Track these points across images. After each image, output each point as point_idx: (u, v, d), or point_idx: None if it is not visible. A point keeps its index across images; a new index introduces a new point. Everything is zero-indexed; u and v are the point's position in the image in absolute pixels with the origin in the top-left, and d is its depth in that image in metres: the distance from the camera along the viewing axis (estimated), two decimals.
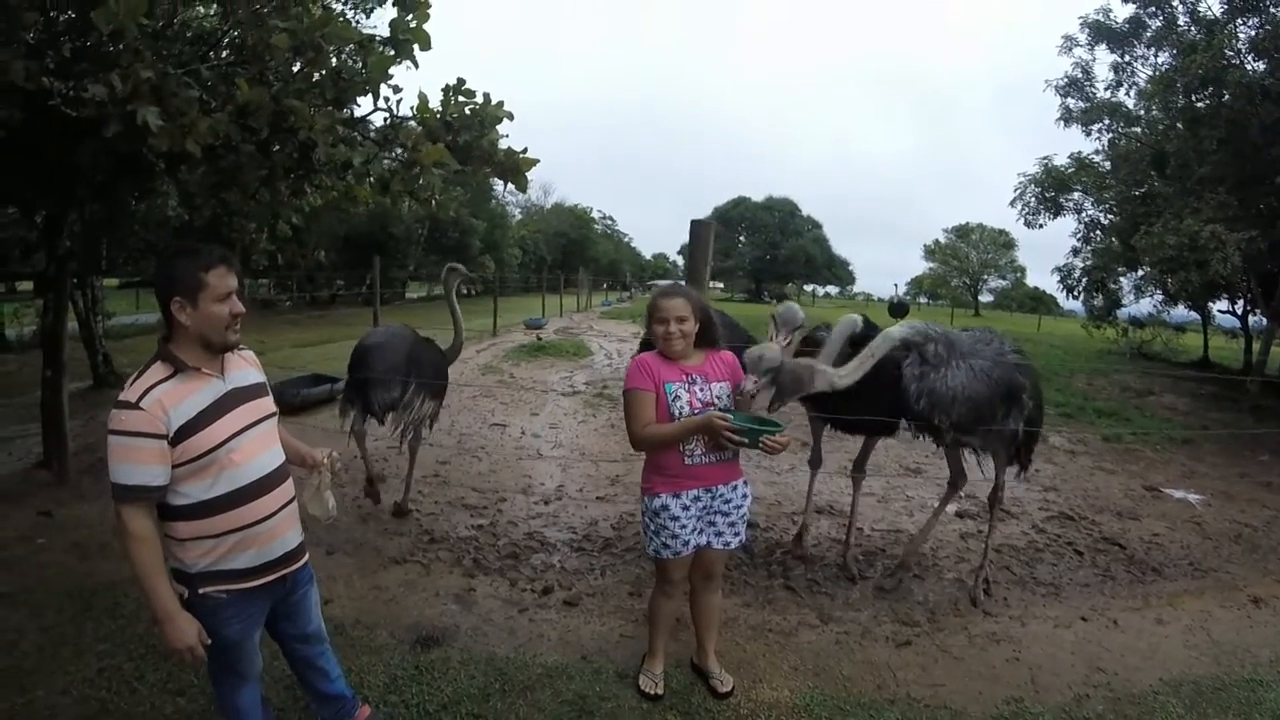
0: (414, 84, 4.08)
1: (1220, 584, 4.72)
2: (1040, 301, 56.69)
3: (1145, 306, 19.13)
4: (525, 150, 4.05)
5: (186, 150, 3.25)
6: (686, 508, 2.83)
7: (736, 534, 2.96)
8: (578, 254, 50.29)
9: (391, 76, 3.74)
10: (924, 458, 7.16)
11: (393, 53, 3.70)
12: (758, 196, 65.44)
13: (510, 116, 4.03)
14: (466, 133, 3.89)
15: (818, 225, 65.70)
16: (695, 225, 3.78)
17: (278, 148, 4.06)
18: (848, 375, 3.36)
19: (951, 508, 5.78)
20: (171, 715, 2.80)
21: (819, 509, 5.51)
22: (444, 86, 3.98)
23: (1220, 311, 18.75)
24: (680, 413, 2.76)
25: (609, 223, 67.59)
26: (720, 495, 2.89)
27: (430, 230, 31.09)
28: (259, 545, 2.13)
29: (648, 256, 79.63)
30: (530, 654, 3.35)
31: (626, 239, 73.22)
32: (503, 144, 4.01)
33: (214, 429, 2.01)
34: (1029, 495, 6.36)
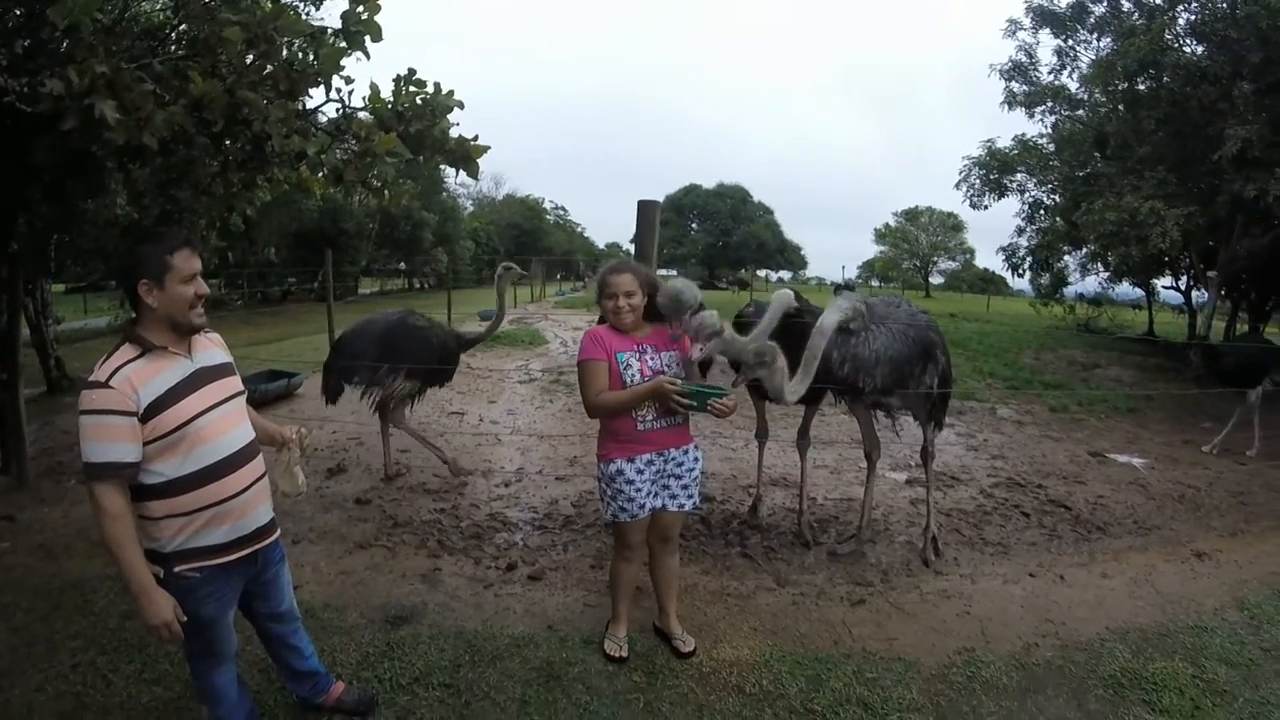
0: (365, 75, 4.11)
1: (1164, 540, 4.91)
2: (990, 282, 57.75)
3: (1091, 284, 19.66)
4: (476, 138, 4.11)
5: (143, 143, 3.25)
6: (641, 471, 2.96)
7: (690, 496, 3.10)
8: (531, 245, 50.19)
9: (343, 68, 3.77)
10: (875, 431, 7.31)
11: (344, 44, 3.72)
12: (710, 184, 65.67)
13: (461, 105, 4.08)
14: (418, 122, 3.92)
15: (769, 211, 65.94)
16: (642, 205, 3.90)
17: (230, 142, 4.07)
18: (797, 390, 3.39)
19: (901, 475, 6.04)
20: (148, 704, 2.84)
21: (774, 481, 5.67)
22: (395, 77, 4.01)
23: (1164, 287, 19.35)
24: (632, 381, 2.90)
25: (561, 213, 67.27)
26: (673, 459, 3.03)
27: (382, 224, 30.69)
28: (231, 521, 2.19)
29: (601, 246, 79.43)
30: (497, 626, 3.45)
31: (580, 229, 72.92)
32: (453, 132, 4.06)
33: (183, 405, 2.07)
34: (977, 463, 6.60)
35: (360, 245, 29.33)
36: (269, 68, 3.64)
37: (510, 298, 24.20)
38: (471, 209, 51.59)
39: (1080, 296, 20.72)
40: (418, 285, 37.64)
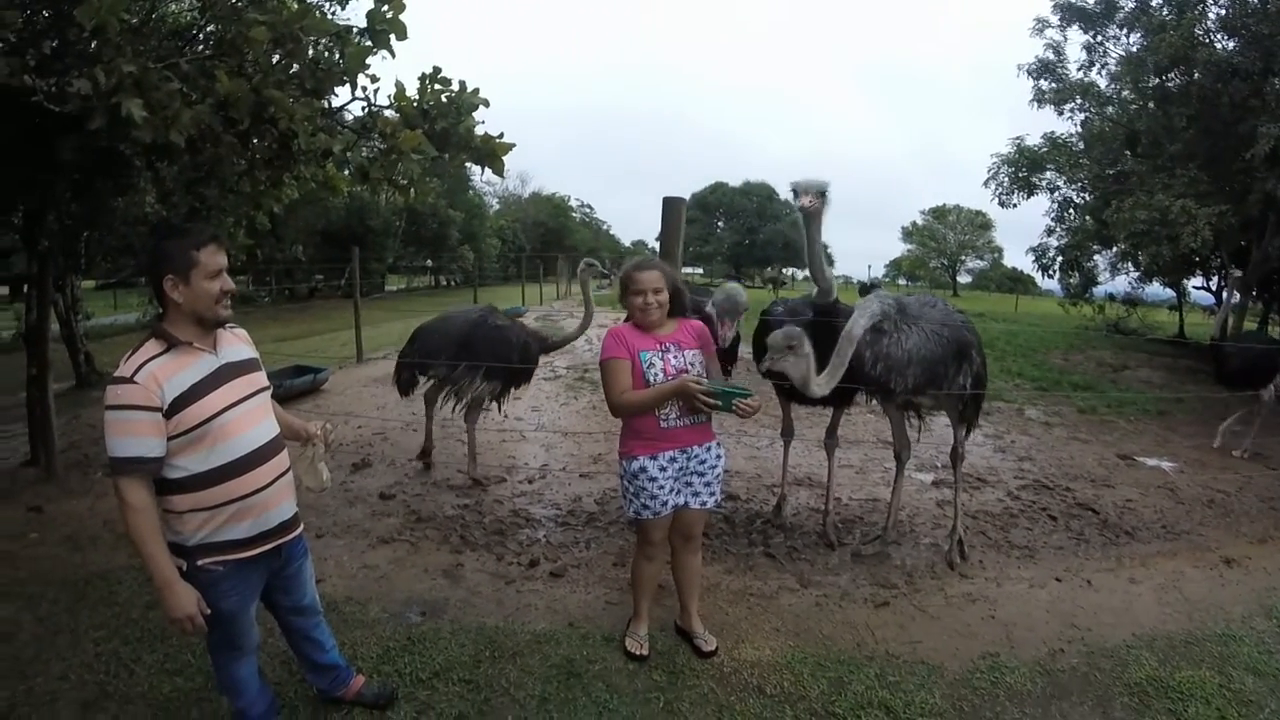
0: (390, 74, 4.11)
1: (1193, 546, 4.81)
2: (1018, 281, 57.09)
3: (1121, 284, 19.37)
4: (501, 136, 4.11)
5: (170, 141, 3.29)
6: (664, 469, 2.96)
7: (713, 494, 3.09)
8: (556, 242, 50.01)
9: (369, 67, 3.79)
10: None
11: (370, 43, 3.74)
12: (736, 182, 65.47)
13: (486, 103, 4.08)
14: (443, 120, 3.94)
15: (795, 210, 65.61)
16: (668, 202, 3.89)
17: (257, 140, 4.11)
18: (822, 386, 3.41)
19: (927, 477, 5.96)
20: (170, 694, 2.86)
21: (799, 481, 5.64)
22: (420, 75, 4.02)
23: (1195, 288, 19.03)
24: (655, 379, 2.89)
25: (587, 210, 67.30)
26: (695, 456, 3.02)
27: (408, 222, 30.84)
28: (254, 515, 2.20)
29: (626, 244, 79.46)
30: (518, 623, 3.46)
31: (605, 226, 72.96)
32: (479, 130, 4.06)
33: (207, 401, 2.08)
34: (1004, 465, 6.51)
35: (387, 243, 29.49)
36: (295, 67, 3.67)
37: (536, 295, 24.70)
38: (497, 207, 51.70)
39: (1110, 296, 20.44)
40: (444, 283, 37.80)
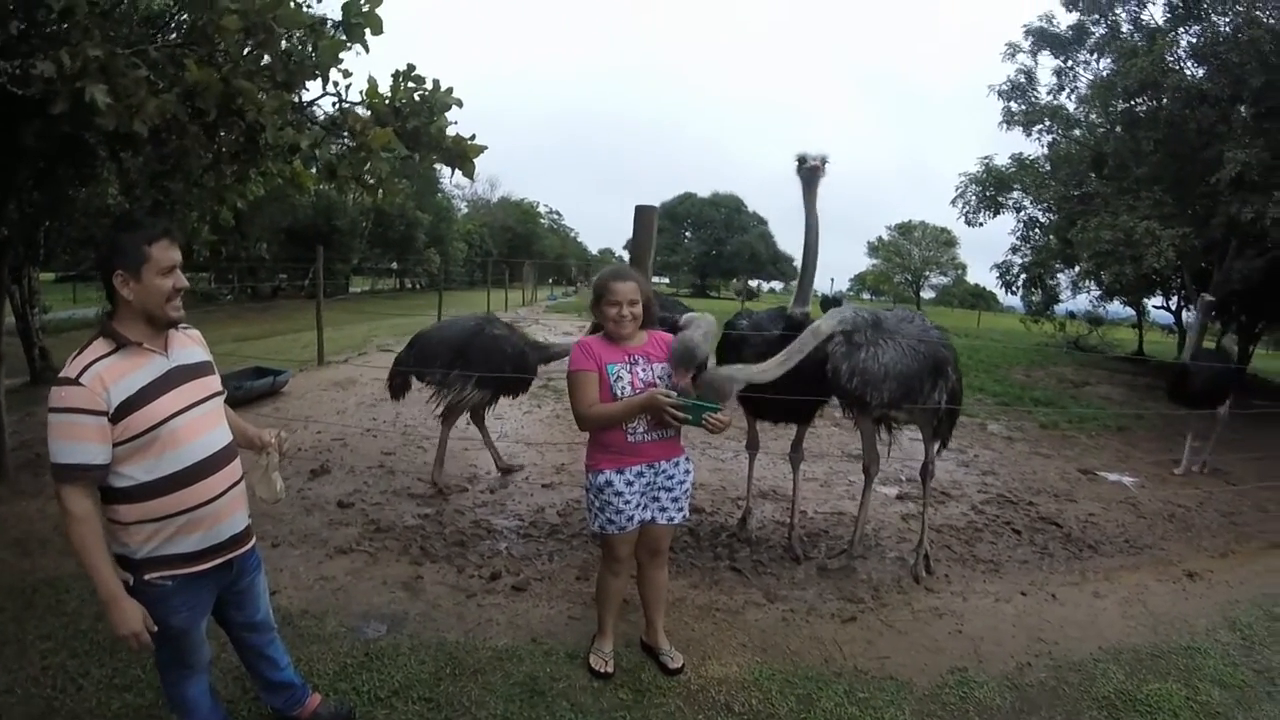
0: (364, 71, 4.02)
1: (1155, 560, 4.88)
2: (980, 298, 58.09)
3: (1082, 302, 19.74)
4: (473, 137, 4.03)
5: (134, 130, 3.18)
6: (630, 483, 2.89)
7: (680, 509, 3.03)
8: (524, 248, 50.13)
9: (342, 61, 3.70)
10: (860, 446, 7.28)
11: (344, 37, 3.65)
12: (705, 193, 65.90)
13: (459, 103, 4.01)
14: (415, 118, 3.85)
15: (763, 222, 66.23)
16: (640, 210, 3.82)
17: (224, 133, 3.99)
18: (770, 370, 3.35)
19: (892, 490, 5.98)
20: (119, 711, 2.74)
21: (763, 494, 5.61)
22: (394, 72, 3.93)
23: (1155, 307, 19.46)
24: (622, 393, 2.83)
25: (555, 217, 67.21)
26: (663, 471, 2.96)
27: (375, 223, 30.58)
28: (205, 527, 2.10)
29: (594, 251, 79.68)
30: (480, 638, 3.36)
31: (573, 234, 73.00)
32: (451, 131, 3.98)
33: (156, 406, 1.98)
34: (968, 479, 6.54)
35: (353, 244, 29.21)
36: (266, 59, 3.56)
37: (502, 300, 24.59)
38: (465, 211, 51.51)
39: (1070, 314, 20.82)
40: (410, 285, 37.52)
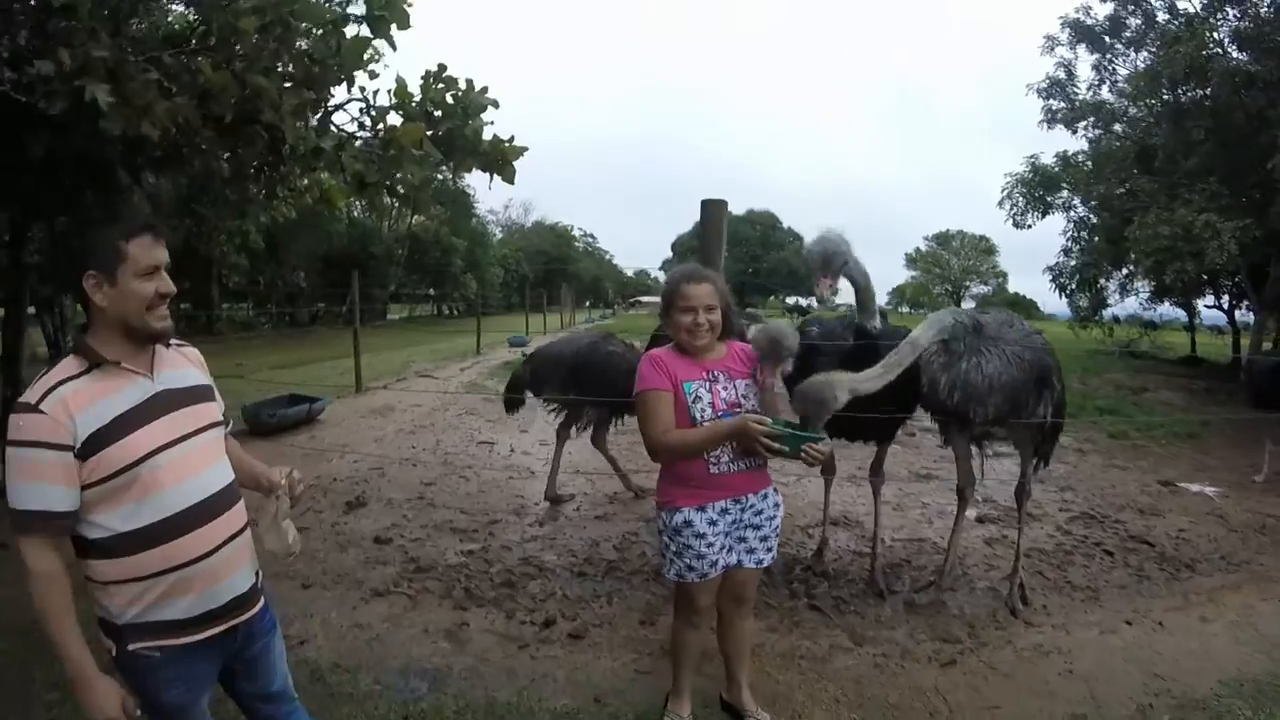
0: (391, 74, 3.74)
1: (1255, 576, 4.57)
2: (1020, 306, 57.11)
3: (1130, 305, 19.19)
4: (512, 139, 3.70)
5: (143, 134, 2.92)
6: (714, 522, 2.45)
7: (769, 549, 2.59)
8: (559, 272, 50.27)
9: (368, 63, 3.44)
10: (933, 462, 6.93)
11: (369, 34, 3.37)
12: (739, 210, 65.67)
13: (495, 104, 3.70)
14: (448, 120, 3.53)
15: (799, 237, 65.75)
16: (707, 205, 3.39)
17: (243, 143, 3.73)
18: (873, 382, 2.95)
19: (971, 513, 5.52)
20: None
21: (834, 520, 5.17)
22: (425, 72, 3.65)
23: (1206, 307, 18.86)
24: (702, 415, 2.41)
25: (590, 240, 67.60)
26: (751, 506, 2.52)
27: (411, 250, 31.05)
28: (198, 590, 1.68)
29: (629, 273, 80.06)
30: (535, 697, 2.96)
31: (608, 256, 73.26)
32: (487, 133, 3.65)
33: (134, 439, 1.59)
34: (1047, 496, 6.11)
35: (389, 270, 29.71)
36: (285, 55, 3.27)
37: (540, 324, 24.56)
38: (501, 235, 52.07)
39: (1115, 319, 20.26)
40: (447, 311, 37.81)
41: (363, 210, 30.04)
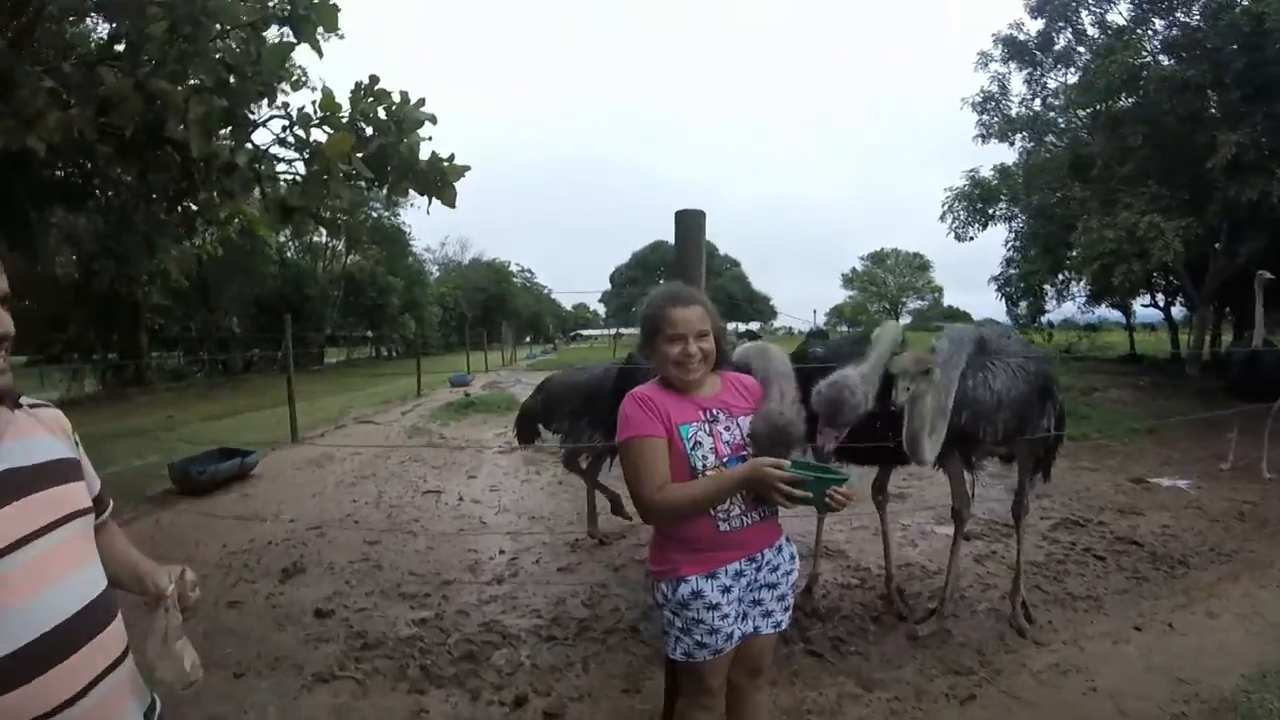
0: (319, 90, 3.36)
1: (1249, 565, 4.62)
2: (954, 319, 58.62)
3: (1068, 309, 19.77)
4: (452, 157, 3.31)
5: (28, 146, 2.52)
6: (727, 589, 2.05)
7: (787, 609, 2.19)
8: (498, 309, 50.23)
9: (291, 75, 3.05)
10: (901, 480, 6.65)
11: (292, 37, 2.98)
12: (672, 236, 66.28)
13: (434, 119, 3.30)
14: (381, 137, 3.14)
15: (736, 263, 66.77)
16: (682, 216, 2.99)
17: (151, 171, 3.31)
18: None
19: (952, 530, 5.32)
20: None
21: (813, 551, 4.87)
22: (354, 84, 3.25)
23: (1143, 306, 19.51)
24: (704, 465, 2.02)
25: (528, 275, 67.17)
26: (767, 563, 2.12)
27: (347, 291, 30.48)
28: None
29: (568, 308, 79.81)
30: None
31: (546, 291, 72.95)
32: (424, 151, 3.27)
33: None
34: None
35: (325, 312, 29.10)
36: (194, 60, 2.87)
37: (481, 362, 24.12)
38: (437, 274, 51.60)
39: (1051, 324, 20.86)
40: (385, 353, 37.14)
41: (296, 250, 29.60)
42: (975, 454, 3.57)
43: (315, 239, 29.55)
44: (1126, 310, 20.69)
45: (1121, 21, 13.36)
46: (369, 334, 34.93)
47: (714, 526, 2.00)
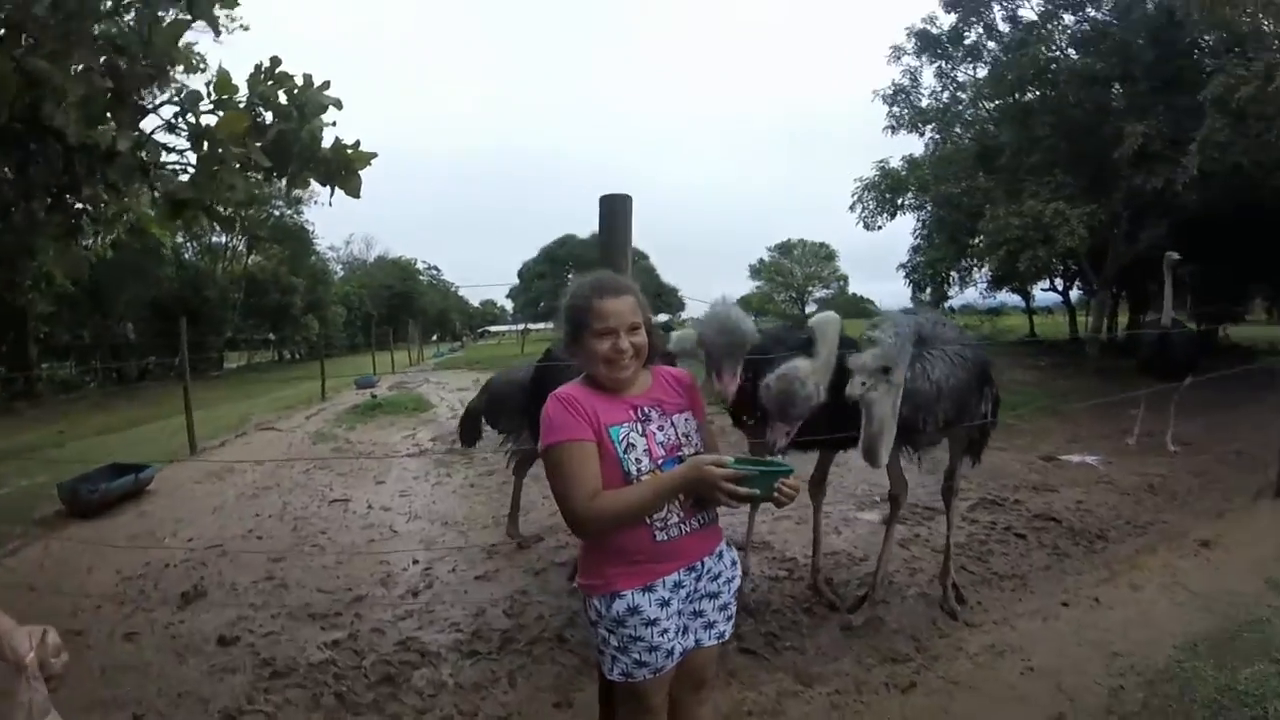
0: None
1: (1165, 535, 4.74)
2: (859, 306, 60.27)
3: (970, 295, 20.53)
4: (358, 144, 3.08)
5: None
6: (665, 603, 1.89)
7: (730, 617, 2.06)
8: (405, 307, 49.26)
9: (186, 58, 2.78)
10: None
11: (187, 15, 2.71)
12: (587, 234, 66.02)
13: (339, 104, 3.06)
14: (282, 123, 2.88)
15: (644, 256, 66.82)
16: (607, 200, 2.81)
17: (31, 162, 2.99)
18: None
19: (874, 515, 5.47)
20: None
21: (739, 545, 4.79)
22: (255, 65, 2.98)
23: (1042, 290, 20.43)
24: (638, 470, 1.86)
25: (434, 272, 65.80)
26: (708, 572, 1.97)
27: (247, 293, 29.38)
28: None
29: (475, 304, 78.57)
30: None
31: (453, 288, 71.67)
32: (328, 137, 3.02)
33: None
34: (939, 485, 6.06)
35: (225, 315, 27.93)
36: (78, 39, 2.58)
37: (388, 362, 23.48)
38: (342, 273, 50.18)
39: (951, 310, 21.66)
40: (289, 356, 35.92)
41: (195, 251, 28.29)
42: (915, 444, 3.56)
43: (215, 239, 28.47)
44: (1026, 295, 21.61)
45: (1032, 16, 13.82)
46: (271, 336, 33.66)
47: (650, 536, 1.86)
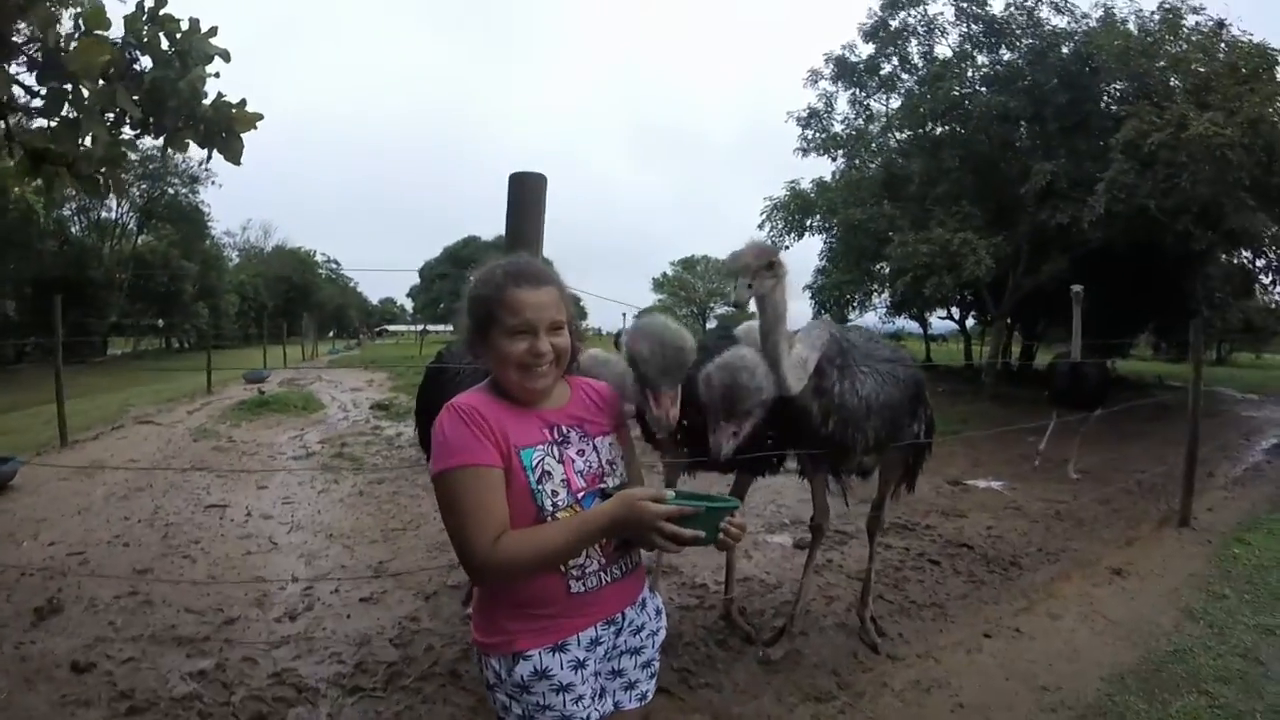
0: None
1: (1076, 562, 4.82)
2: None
3: (869, 320, 21.09)
4: (244, 103, 2.71)
5: None
6: (580, 664, 1.59)
7: (653, 674, 1.76)
8: (301, 300, 47.82)
9: None
10: (726, 487, 6.46)
11: None
12: (491, 237, 65.00)
13: (226, 56, 2.69)
14: (160, 70, 2.49)
15: (548, 263, 66.43)
16: (518, 179, 2.51)
17: None
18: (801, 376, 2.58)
19: (785, 539, 5.32)
20: None
21: (647, 569, 4.55)
22: (137, 3, 2.57)
23: (939, 318, 21.15)
24: (554, 503, 1.54)
25: (334, 266, 63.67)
26: (629, 624, 1.68)
27: (135, 275, 27.82)
28: None
29: (374, 301, 76.59)
30: None
31: (353, 284, 69.73)
32: (210, 91, 2.65)
33: None
34: (849, 511, 5.95)
35: (110, 297, 26.26)
36: None
37: (280, 356, 22.52)
38: (237, 260, 48.05)
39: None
40: (177, 344, 34.14)
41: (83, 227, 26.60)
42: (845, 466, 3.36)
43: (105, 214, 26.81)
44: (924, 322, 22.35)
45: (948, 54, 14.36)
46: (159, 323, 31.86)
47: (564, 588, 1.55)
